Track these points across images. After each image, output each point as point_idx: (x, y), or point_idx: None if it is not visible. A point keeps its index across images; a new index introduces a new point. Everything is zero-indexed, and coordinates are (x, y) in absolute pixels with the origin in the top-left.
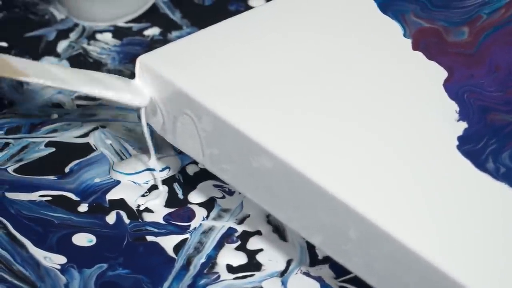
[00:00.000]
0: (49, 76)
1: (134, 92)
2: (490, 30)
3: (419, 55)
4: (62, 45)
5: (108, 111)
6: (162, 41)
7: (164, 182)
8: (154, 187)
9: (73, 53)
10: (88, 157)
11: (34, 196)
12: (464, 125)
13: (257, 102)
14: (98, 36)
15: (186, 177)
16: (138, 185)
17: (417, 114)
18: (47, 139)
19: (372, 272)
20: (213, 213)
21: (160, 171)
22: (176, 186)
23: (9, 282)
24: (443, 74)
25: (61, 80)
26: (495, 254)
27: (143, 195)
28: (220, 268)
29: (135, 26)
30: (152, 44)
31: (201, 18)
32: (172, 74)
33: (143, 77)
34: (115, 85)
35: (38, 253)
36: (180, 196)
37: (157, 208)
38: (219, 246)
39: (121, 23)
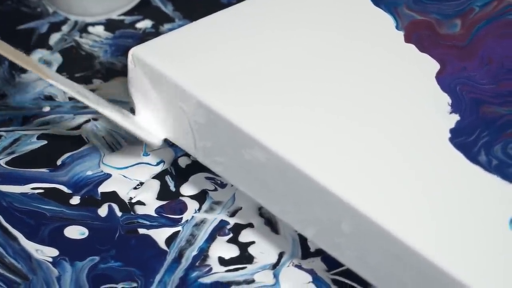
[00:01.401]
0: (72, 87)
1: (146, 130)
2: (483, 23)
3: (412, 47)
4: (54, 38)
5: None
6: (154, 33)
7: (156, 175)
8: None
9: (65, 46)
10: (80, 149)
11: (26, 188)
12: (456, 117)
13: (250, 94)
14: (90, 29)
15: (178, 169)
16: (128, 179)
17: (410, 107)
18: (39, 132)
19: (365, 265)
20: (205, 206)
21: (155, 165)
22: (168, 178)
23: (1, 275)
24: (435, 66)
25: (83, 95)
26: (487, 246)
27: (135, 188)
28: (212, 260)
29: (127, 19)
30: (144, 37)
31: (193, 11)
32: (164, 66)
33: (135, 69)
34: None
35: (30, 246)
36: (172, 188)
37: (149, 200)
38: (211, 238)
39: (113, 16)
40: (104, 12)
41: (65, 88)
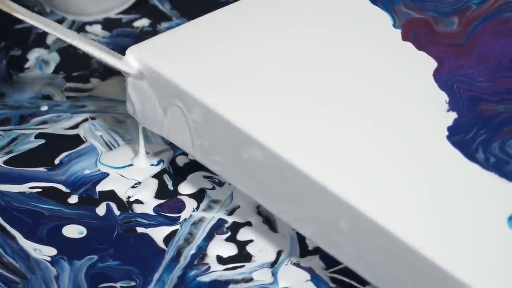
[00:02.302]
0: (44, 21)
1: (123, 60)
2: (480, 21)
3: (409, 45)
4: (52, 37)
5: (98, 103)
6: (151, 32)
7: (155, 174)
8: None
9: (62, 45)
10: (78, 148)
11: (24, 187)
12: (454, 115)
13: (248, 93)
14: (88, 28)
15: (176, 168)
16: (125, 178)
17: (407, 105)
18: (37, 131)
19: (363, 263)
20: (203, 204)
21: (156, 165)
22: (166, 177)
23: (0, 274)
24: (432, 64)
25: (54, 28)
26: (485, 244)
27: (133, 187)
28: (210, 259)
29: (125, 18)
30: (142, 36)
31: (191, 9)
32: (161, 65)
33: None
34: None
35: (28, 245)
36: (170, 187)
37: (147, 199)
38: (209, 237)
39: (110, 15)
40: (101, 11)
41: (32, 21)
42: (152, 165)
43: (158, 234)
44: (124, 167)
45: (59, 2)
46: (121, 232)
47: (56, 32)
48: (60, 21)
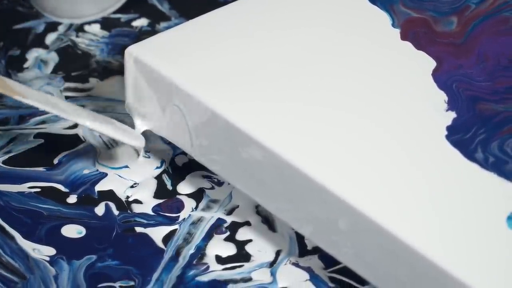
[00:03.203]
0: (47, 102)
1: (132, 135)
2: (479, 20)
3: (408, 45)
4: (50, 38)
5: (96, 103)
6: (150, 32)
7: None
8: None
9: (61, 45)
10: (76, 148)
11: (23, 187)
12: (453, 115)
13: (247, 92)
14: (87, 27)
15: (175, 168)
16: (124, 179)
17: (406, 105)
18: (36, 131)
19: (362, 263)
20: (202, 204)
21: (159, 167)
22: (165, 177)
23: None
24: (432, 64)
25: (60, 109)
26: (484, 244)
27: (132, 186)
28: (209, 259)
29: (124, 17)
30: (141, 35)
31: (190, 9)
32: (160, 65)
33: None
34: (114, 123)
35: (27, 245)
36: (169, 187)
37: (146, 199)
38: (208, 237)
39: (108, 14)
40: (96, 12)
41: (38, 104)
42: (157, 168)
43: (157, 233)
44: (122, 167)
45: (53, 7)
46: (120, 232)
47: (64, 113)
48: (59, 21)
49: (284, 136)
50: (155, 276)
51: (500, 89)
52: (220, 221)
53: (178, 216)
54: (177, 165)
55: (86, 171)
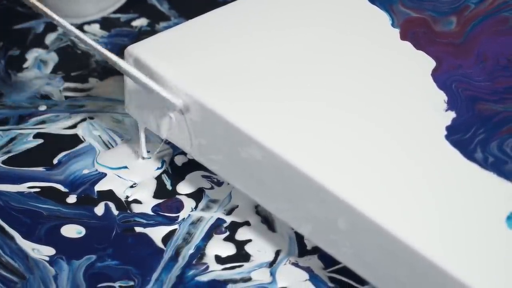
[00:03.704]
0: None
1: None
2: (478, 20)
3: (407, 45)
4: (50, 37)
5: (96, 102)
6: (150, 32)
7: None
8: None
9: (61, 45)
10: (76, 148)
11: (23, 187)
12: (452, 114)
13: (246, 92)
14: (86, 27)
15: (175, 167)
16: (123, 179)
17: (406, 104)
18: (36, 131)
19: (361, 262)
20: (201, 204)
21: (160, 167)
22: (164, 177)
23: None
24: (431, 64)
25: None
26: (483, 243)
27: (131, 186)
28: (209, 259)
29: (123, 17)
30: (140, 35)
31: (189, 9)
32: (159, 65)
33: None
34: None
35: (27, 245)
36: (169, 187)
37: (145, 199)
38: (207, 237)
39: (108, 14)
40: (96, 12)
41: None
42: (158, 168)
43: (157, 233)
44: (121, 168)
45: (52, 7)
46: (120, 231)
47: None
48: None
49: (283, 136)
50: (155, 276)
51: (500, 89)
52: (219, 221)
53: (178, 216)
54: (177, 165)
55: (85, 171)
